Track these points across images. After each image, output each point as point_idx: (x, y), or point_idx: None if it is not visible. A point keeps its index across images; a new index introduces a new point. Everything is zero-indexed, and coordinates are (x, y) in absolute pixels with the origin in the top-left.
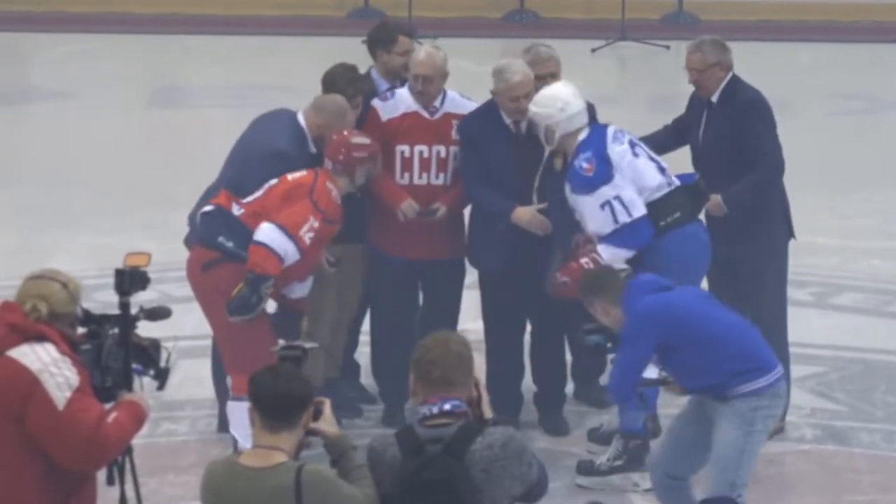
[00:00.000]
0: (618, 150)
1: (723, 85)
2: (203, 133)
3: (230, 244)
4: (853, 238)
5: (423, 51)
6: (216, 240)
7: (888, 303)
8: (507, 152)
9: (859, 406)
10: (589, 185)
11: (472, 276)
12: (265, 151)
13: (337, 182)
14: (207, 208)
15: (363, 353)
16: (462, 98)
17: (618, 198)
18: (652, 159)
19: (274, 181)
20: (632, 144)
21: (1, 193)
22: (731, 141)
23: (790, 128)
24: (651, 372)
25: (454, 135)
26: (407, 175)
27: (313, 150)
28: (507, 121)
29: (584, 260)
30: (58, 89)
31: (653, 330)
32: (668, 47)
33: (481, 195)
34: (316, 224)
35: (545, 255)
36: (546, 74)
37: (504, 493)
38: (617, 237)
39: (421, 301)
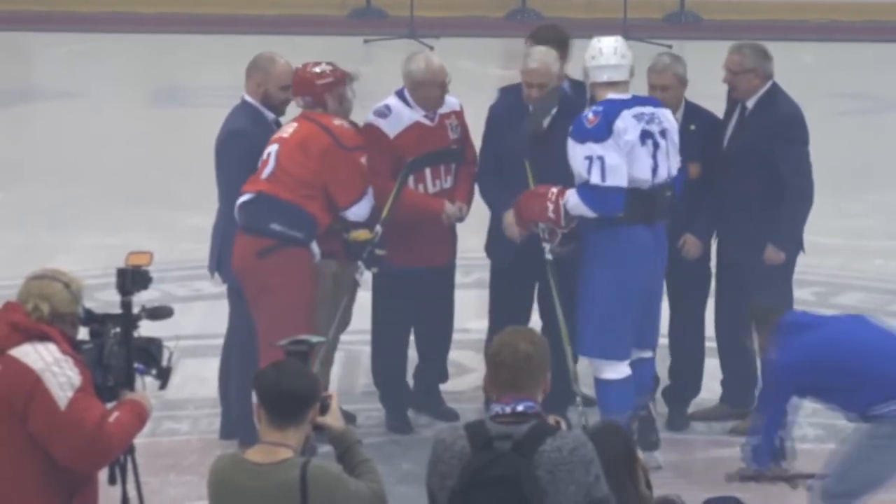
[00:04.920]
0: (628, 126)
1: (760, 93)
2: (206, 132)
3: (284, 228)
4: (856, 237)
5: (434, 58)
6: (269, 226)
7: (890, 302)
8: (524, 142)
9: None
10: (583, 134)
11: (470, 276)
12: (223, 136)
13: (322, 114)
14: (247, 197)
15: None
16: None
17: (601, 158)
18: (654, 158)
19: (273, 147)
20: (647, 135)
21: (4, 192)
22: (763, 154)
23: None
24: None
25: (451, 134)
26: (421, 186)
27: (271, 115)
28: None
29: (552, 191)
30: (61, 88)
31: (789, 379)
32: (670, 46)
33: (487, 186)
34: (364, 160)
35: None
36: (657, 85)
37: (568, 499)
38: (586, 193)
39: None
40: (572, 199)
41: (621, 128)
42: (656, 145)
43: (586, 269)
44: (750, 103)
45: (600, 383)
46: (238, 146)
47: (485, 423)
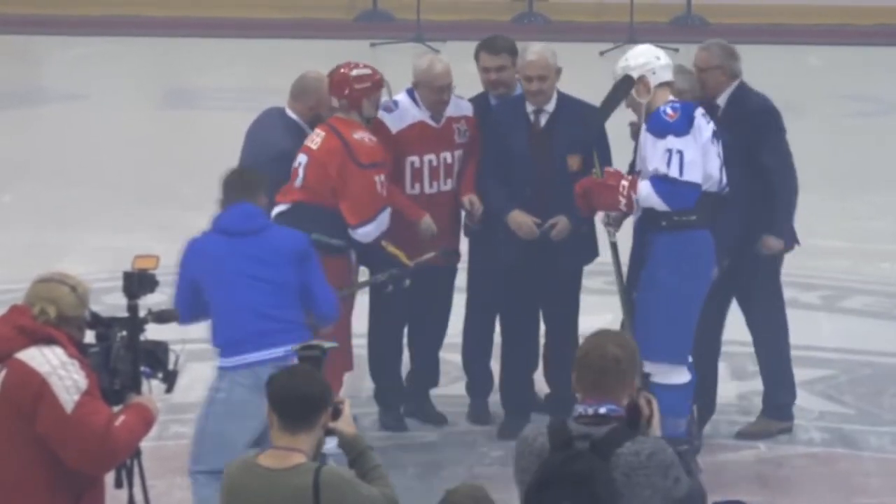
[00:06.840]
0: (702, 125)
1: (729, 92)
2: (213, 135)
3: (324, 238)
4: (863, 241)
5: (438, 62)
6: (309, 236)
7: None
8: (524, 143)
9: (868, 409)
10: (664, 128)
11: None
12: (274, 156)
13: (352, 122)
14: (282, 208)
15: None
16: (457, 98)
17: (680, 153)
18: (720, 158)
19: (303, 158)
20: (715, 135)
21: (12, 194)
22: (744, 150)
23: (800, 130)
24: None
25: (457, 138)
26: (418, 185)
27: (311, 132)
28: (529, 111)
29: (623, 182)
30: (70, 91)
31: (182, 266)
32: (677, 50)
33: (488, 189)
34: (382, 178)
35: (559, 252)
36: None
37: (643, 502)
38: (660, 184)
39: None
40: (645, 190)
41: (698, 125)
42: (720, 145)
43: (656, 273)
44: (721, 101)
45: (665, 389)
46: (284, 168)
47: (567, 422)
